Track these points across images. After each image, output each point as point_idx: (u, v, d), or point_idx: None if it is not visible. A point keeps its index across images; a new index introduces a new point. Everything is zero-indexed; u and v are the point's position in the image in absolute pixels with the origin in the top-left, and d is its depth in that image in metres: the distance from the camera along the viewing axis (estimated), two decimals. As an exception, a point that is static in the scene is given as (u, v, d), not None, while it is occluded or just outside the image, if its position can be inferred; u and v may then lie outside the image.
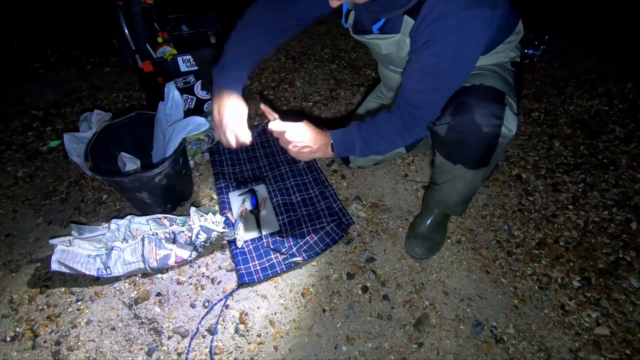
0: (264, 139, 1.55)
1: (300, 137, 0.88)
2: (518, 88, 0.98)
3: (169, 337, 0.96)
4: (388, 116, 0.92)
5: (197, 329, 0.97)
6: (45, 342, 0.96)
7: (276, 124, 0.88)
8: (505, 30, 0.91)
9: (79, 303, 1.03)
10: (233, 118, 0.89)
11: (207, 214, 1.16)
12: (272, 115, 0.90)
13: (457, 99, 0.84)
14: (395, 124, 0.90)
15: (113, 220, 1.14)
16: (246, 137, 0.90)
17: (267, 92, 1.89)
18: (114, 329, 0.98)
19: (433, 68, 0.79)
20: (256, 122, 1.67)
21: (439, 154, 0.96)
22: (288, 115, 0.95)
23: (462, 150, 0.88)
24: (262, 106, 0.91)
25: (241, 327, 0.97)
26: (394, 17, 0.84)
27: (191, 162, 1.42)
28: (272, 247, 1.13)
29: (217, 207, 1.27)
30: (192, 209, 1.14)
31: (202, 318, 0.99)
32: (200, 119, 1.14)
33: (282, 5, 0.96)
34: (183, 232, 1.09)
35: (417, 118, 0.88)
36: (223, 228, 1.13)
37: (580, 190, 1.34)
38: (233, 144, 0.91)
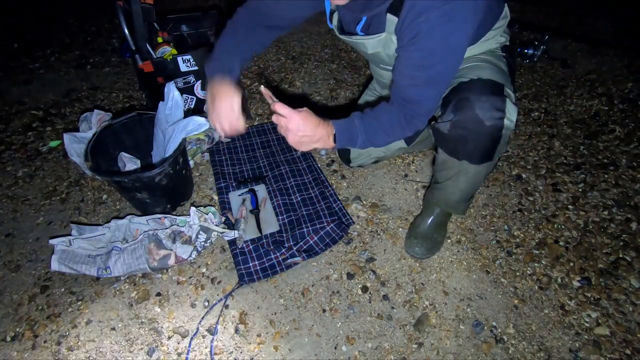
0: (264, 139, 1.55)
1: (300, 125, 0.84)
2: (511, 73, 0.99)
3: (169, 337, 0.96)
4: (388, 107, 0.91)
5: (197, 329, 0.97)
6: (45, 342, 0.96)
7: (278, 106, 0.84)
8: (492, 17, 0.92)
9: (79, 303, 1.03)
10: (225, 106, 0.89)
11: (207, 214, 1.16)
12: (272, 99, 0.86)
13: (456, 95, 0.84)
14: (395, 115, 0.90)
15: (113, 220, 1.14)
16: (239, 125, 0.90)
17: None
18: (114, 329, 0.98)
19: (422, 62, 0.79)
20: (256, 122, 1.67)
21: (442, 151, 0.96)
22: (290, 100, 0.91)
23: (467, 146, 0.88)
24: (263, 89, 0.86)
25: (241, 327, 0.97)
26: (377, 17, 0.84)
27: (191, 162, 1.42)
28: (272, 247, 1.13)
29: (217, 207, 1.27)
30: (192, 209, 1.14)
31: (202, 318, 0.99)
32: (200, 119, 1.14)
33: (265, 7, 0.98)
34: (183, 232, 1.09)
35: (415, 112, 0.88)
36: (223, 228, 1.13)
37: (580, 190, 1.34)
38: (224, 133, 0.92)
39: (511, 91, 0.87)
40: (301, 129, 0.85)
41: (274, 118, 0.87)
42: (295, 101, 0.93)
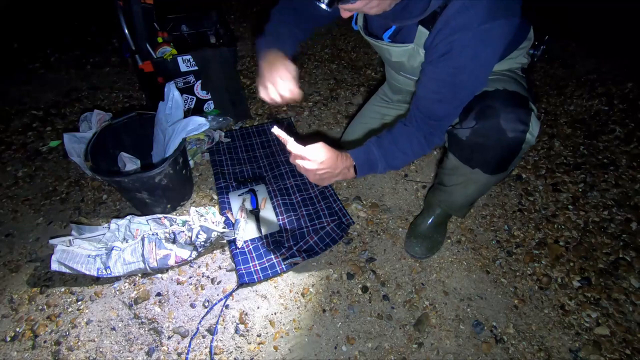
0: (264, 139, 1.55)
1: (320, 164, 0.81)
2: (530, 93, 0.98)
3: (169, 337, 0.96)
4: (405, 129, 0.89)
5: (197, 329, 0.97)
6: (45, 342, 0.96)
7: (294, 147, 0.82)
8: (519, 37, 0.91)
9: (79, 303, 1.03)
10: (283, 72, 0.86)
11: (207, 214, 1.16)
12: (285, 140, 0.83)
13: (480, 103, 0.82)
14: (414, 136, 0.88)
15: (113, 220, 1.14)
16: (296, 91, 0.86)
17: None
18: (114, 329, 0.98)
19: (451, 79, 0.78)
20: (256, 122, 1.67)
21: (454, 157, 0.94)
22: (303, 138, 0.89)
23: (483, 155, 0.87)
24: (275, 130, 0.85)
25: (241, 327, 0.97)
26: (408, 27, 0.83)
27: (191, 162, 1.42)
28: (272, 247, 1.13)
29: (217, 207, 1.27)
30: (192, 209, 1.14)
31: (202, 318, 0.99)
32: (200, 119, 1.14)
33: (295, 10, 0.99)
34: (183, 232, 1.09)
35: (435, 128, 0.87)
36: (223, 228, 1.13)
37: (580, 190, 1.34)
38: (282, 99, 0.86)
39: (534, 107, 0.85)
40: (320, 167, 0.81)
41: (291, 159, 0.84)
42: (308, 138, 0.90)
